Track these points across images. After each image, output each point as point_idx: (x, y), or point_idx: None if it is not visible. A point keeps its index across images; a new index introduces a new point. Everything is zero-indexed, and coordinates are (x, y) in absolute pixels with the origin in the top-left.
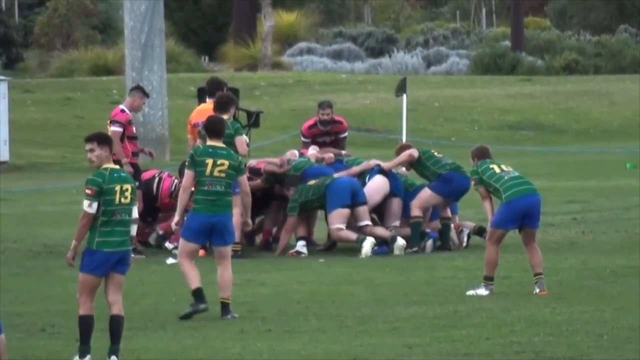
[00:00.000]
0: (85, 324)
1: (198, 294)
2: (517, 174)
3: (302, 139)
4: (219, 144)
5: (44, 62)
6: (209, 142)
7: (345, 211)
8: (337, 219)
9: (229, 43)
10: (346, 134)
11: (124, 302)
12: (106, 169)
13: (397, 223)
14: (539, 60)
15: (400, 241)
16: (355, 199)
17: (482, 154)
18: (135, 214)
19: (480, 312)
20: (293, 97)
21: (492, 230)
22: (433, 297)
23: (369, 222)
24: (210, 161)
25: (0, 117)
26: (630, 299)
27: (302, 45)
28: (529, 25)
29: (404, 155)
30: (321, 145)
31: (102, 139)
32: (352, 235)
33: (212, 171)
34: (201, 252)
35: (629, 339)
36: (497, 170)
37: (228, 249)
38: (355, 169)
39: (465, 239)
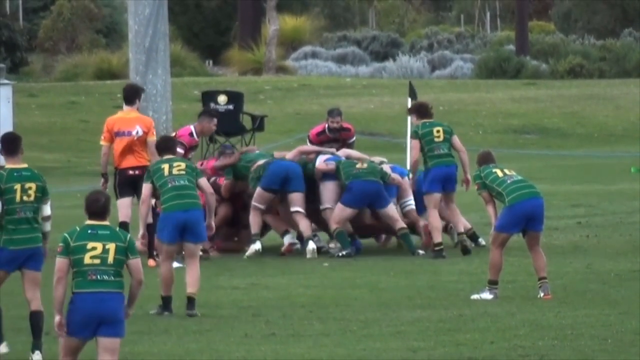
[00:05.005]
0: None
1: (167, 302)
2: (520, 177)
3: (309, 144)
4: (172, 156)
5: (49, 66)
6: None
7: (266, 194)
8: (257, 199)
9: (233, 47)
10: (354, 139)
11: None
12: (6, 169)
13: (329, 204)
14: (543, 64)
15: (312, 245)
16: (286, 185)
17: (484, 159)
18: (46, 211)
19: (484, 316)
20: (297, 101)
21: (496, 234)
22: (437, 301)
23: (300, 209)
24: (166, 166)
25: (5, 121)
26: (635, 303)
27: (307, 49)
28: (533, 29)
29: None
30: None
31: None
32: (282, 227)
33: (170, 171)
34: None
35: (633, 342)
36: (500, 174)
37: (198, 248)
38: (307, 148)
39: (456, 237)
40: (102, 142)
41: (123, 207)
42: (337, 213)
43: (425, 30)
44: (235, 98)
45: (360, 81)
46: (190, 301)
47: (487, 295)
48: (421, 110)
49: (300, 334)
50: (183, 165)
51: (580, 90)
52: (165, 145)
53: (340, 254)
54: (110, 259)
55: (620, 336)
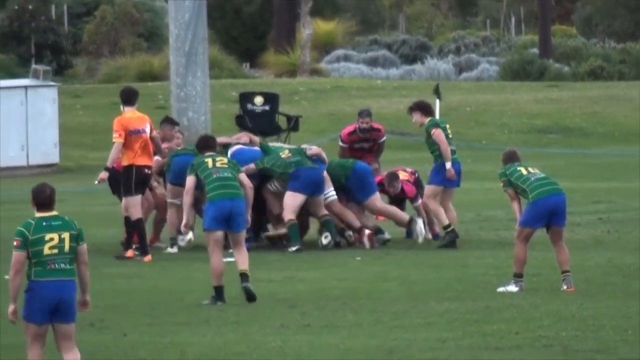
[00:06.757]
0: None
1: (219, 291)
2: (543, 175)
3: (340, 143)
4: (213, 152)
5: (92, 69)
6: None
7: (176, 189)
8: (169, 193)
9: (269, 50)
10: (384, 138)
11: (170, 298)
12: None
13: None
14: (565, 66)
15: (189, 236)
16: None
17: (510, 158)
18: None
19: (510, 308)
20: (331, 102)
21: (520, 229)
22: (465, 294)
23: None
24: (209, 160)
25: (51, 121)
26: None
27: (339, 52)
28: (556, 33)
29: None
30: (359, 150)
31: None
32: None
33: (214, 164)
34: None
35: None
36: (524, 172)
37: (243, 235)
38: (223, 139)
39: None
40: (119, 140)
41: (136, 205)
42: (289, 202)
43: (452, 34)
44: (271, 99)
45: (390, 83)
46: (243, 276)
47: (512, 288)
48: (426, 109)
49: (334, 325)
50: (225, 160)
51: (600, 91)
52: (206, 144)
53: (291, 250)
54: (67, 248)
55: None
